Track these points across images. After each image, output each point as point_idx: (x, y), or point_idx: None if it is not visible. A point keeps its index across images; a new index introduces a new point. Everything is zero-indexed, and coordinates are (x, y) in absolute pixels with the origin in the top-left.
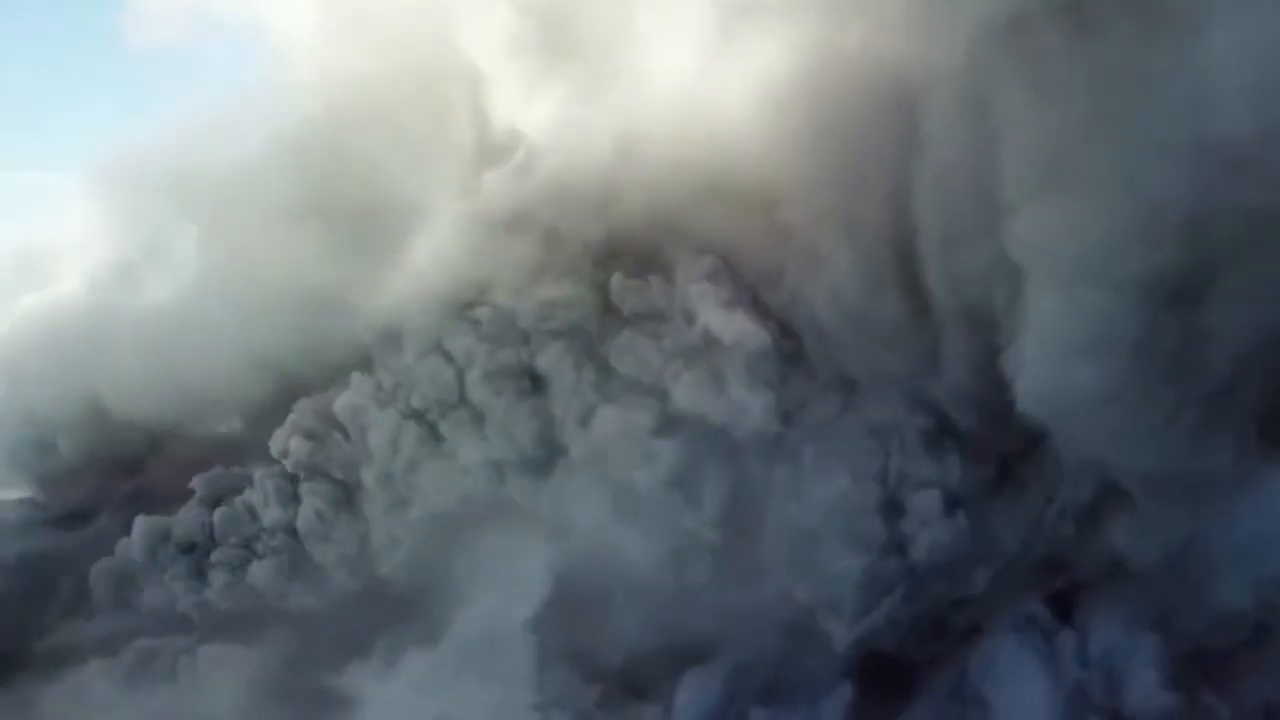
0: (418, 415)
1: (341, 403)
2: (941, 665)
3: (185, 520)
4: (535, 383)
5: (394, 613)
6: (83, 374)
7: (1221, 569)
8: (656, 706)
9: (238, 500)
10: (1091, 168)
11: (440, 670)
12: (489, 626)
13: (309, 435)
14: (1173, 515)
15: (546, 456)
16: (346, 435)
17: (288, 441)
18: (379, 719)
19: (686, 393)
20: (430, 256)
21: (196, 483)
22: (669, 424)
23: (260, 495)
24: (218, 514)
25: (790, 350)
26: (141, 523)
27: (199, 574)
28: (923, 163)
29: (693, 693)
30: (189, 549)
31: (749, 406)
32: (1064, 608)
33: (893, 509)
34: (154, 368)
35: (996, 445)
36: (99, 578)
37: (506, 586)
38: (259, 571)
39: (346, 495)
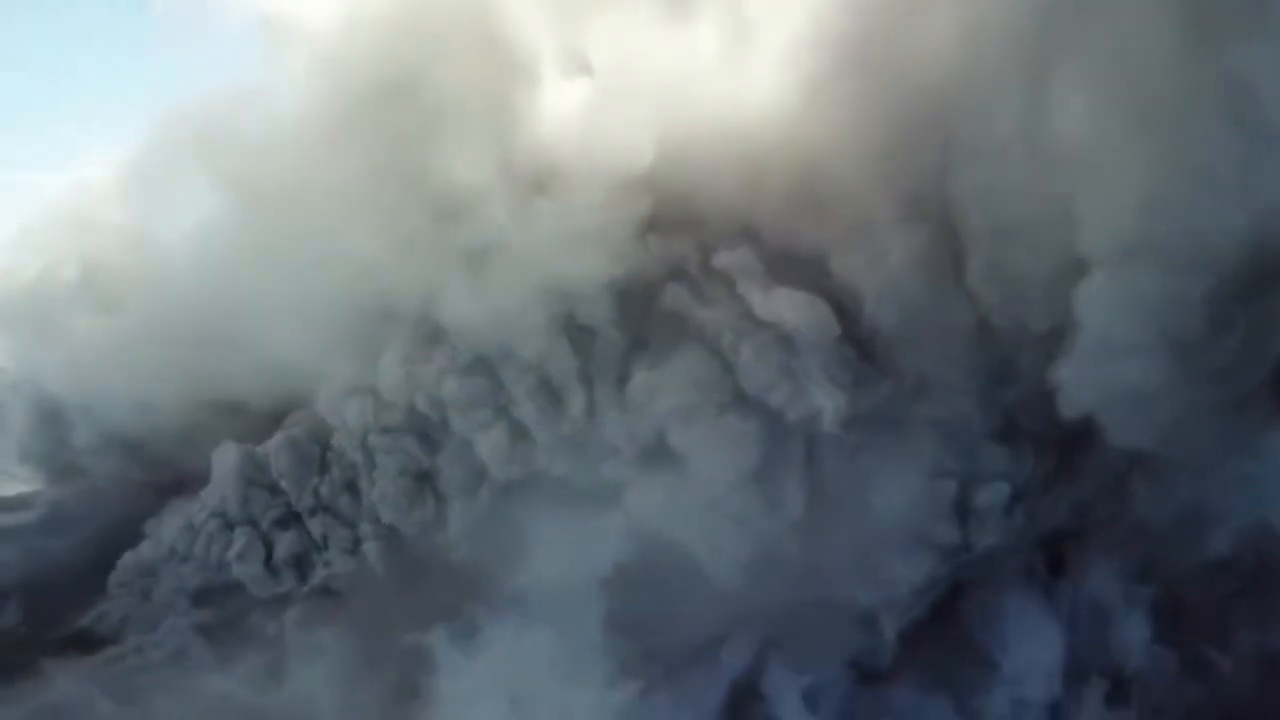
0: (465, 371)
1: (383, 364)
2: (944, 617)
3: (274, 457)
4: (582, 334)
5: (469, 584)
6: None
7: (1221, 519)
8: (704, 671)
9: (329, 456)
10: (1152, 142)
11: (515, 639)
12: (561, 599)
13: (353, 393)
14: (1191, 481)
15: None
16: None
17: (338, 404)
18: (458, 685)
19: (749, 375)
20: (467, 225)
21: (289, 422)
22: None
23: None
24: (320, 486)
25: (856, 338)
26: (229, 453)
27: (298, 565)
28: (970, 139)
29: (734, 654)
30: (284, 521)
31: (818, 401)
32: (1060, 560)
33: (962, 509)
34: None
35: (1059, 439)
36: (180, 535)
37: (578, 561)
38: (369, 553)
39: (419, 469)
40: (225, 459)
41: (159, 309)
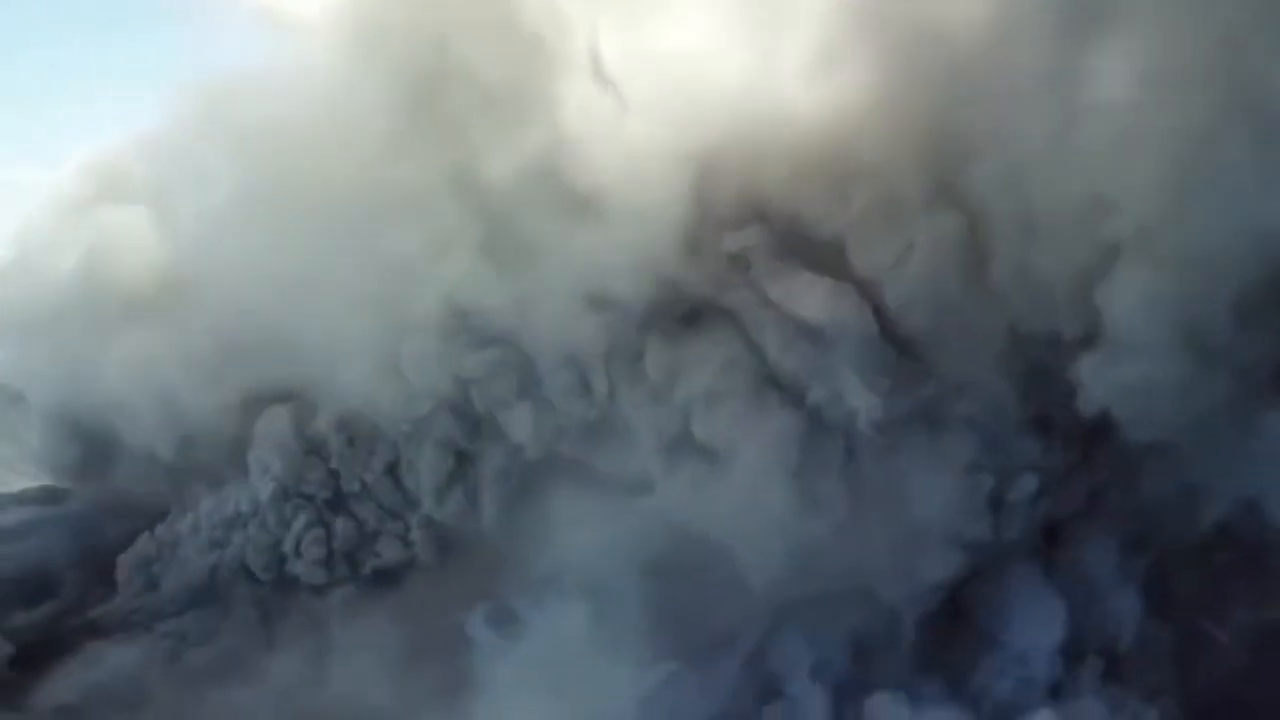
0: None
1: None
2: (949, 601)
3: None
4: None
5: (507, 569)
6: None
7: (1218, 495)
8: (730, 656)
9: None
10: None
11: (553, 623)
12: (598, 584)
13: (383, 378)
14: (1193, 459)
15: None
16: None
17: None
18: (496, 667)
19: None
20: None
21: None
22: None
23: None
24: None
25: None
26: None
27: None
28: (997, 123)
29: (755, 640)
30: (334, 504)
31: (853, 401)
32: (1057, 538)
33: (995, 503)
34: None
35: (1085, 430)
36: (209, 513)
37: (614, 547)
38: (418, 541)
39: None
40: (274, 423)
41: (176, 304)
